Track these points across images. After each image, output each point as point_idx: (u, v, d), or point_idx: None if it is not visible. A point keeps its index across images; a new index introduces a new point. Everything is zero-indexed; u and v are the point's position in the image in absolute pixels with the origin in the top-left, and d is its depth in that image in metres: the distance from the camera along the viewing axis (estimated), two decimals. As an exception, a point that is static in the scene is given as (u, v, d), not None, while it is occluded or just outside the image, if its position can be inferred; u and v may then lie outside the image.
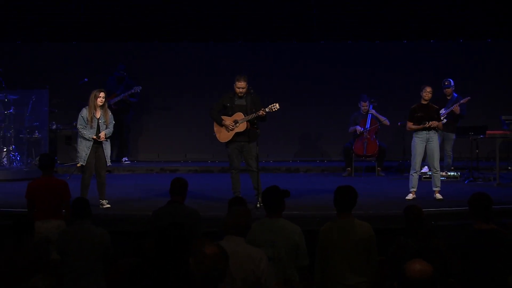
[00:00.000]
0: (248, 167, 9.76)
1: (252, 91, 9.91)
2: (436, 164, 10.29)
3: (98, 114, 9.70)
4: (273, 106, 9.65)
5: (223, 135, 9.74)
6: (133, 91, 13.64)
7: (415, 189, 10.24)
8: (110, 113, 9.89)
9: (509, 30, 14.99)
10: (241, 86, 9.68)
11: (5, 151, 13.00)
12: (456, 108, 12.16)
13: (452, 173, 12.50)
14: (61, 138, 14.07)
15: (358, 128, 13.28)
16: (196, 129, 14.98)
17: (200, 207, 7.50)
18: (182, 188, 7.04)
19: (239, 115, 9.64)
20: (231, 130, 9.64)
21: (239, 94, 9.71)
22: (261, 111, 9.55)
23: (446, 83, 12.55)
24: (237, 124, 9.63)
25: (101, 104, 9.70)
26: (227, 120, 9.65)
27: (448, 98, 12.51)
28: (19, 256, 6.44)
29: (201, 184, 11.25)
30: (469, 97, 12.36)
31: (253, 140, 9.72)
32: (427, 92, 10.31)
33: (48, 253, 6.77)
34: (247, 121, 9.61)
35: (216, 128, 9.80)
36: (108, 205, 9.70)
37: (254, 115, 9.58)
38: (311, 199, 10.43)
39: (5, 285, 6.23)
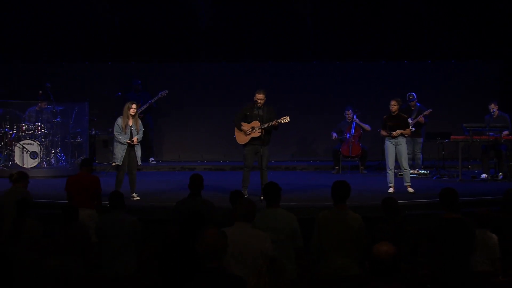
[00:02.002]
0: (260, 166, 9.65)
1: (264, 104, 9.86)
2: (405, 163, 10.27)
3: (131, 122, 9.72)
4: (285, 118, 9.55)
5: (241, 138, 9.67)
6: (160, 95, 13.56)
7: (393, 184, 10.22)
8: (140, 122, 9.91)
9: (469, 52, 14.98)
10: (260, 97, 9.57)
11: (53, 152, 13.05)
12: (421, 119, 12.32)
13: (422, 171, 12.51)
14: (99, 142, 14.10)
15: (334, 135, 13.45)
16: (211, 134, 15.04)
17: (214, 199, 7.50)
18: (199, 183, 7.04)
19: (256, 123, 9.54)
20: (248, 135, 9.59)
21: (258, 105, 9.59)
22: (274, 122, 9.48)
23: (411, 97, 12.67)
24: (254, 130, 9.55)
25: (133, 114, 9.72)
26: (245, 126, 9.60)
27: (412, 108, 12.64)
28: (66, 237, 6.49)
29: (215, 180, 11.21)
30: (431, 109, 12.43)
31: (267, 144, 9.64)
32: (392, 106, 10.37)
33: (89, 236, 6.81)
34: (262, 128, 9.53)
35: (236, 132, 9.72)
36: (138, 198, 9.71)
37: (268, 124, 9.49)
38: (305, 192, 10.41)
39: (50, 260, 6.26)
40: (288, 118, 9.59)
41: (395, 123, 10.26)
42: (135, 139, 9.66)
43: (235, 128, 9.73)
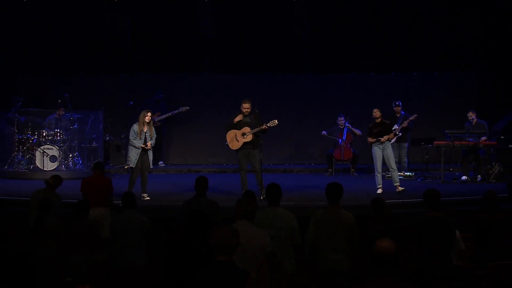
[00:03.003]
0: (253, 169, 9.70)
1: (257, 111, 9.93)
2: (393, 164, 10.27)
3: (145, 128, 9.72)
4: (273, 122, 9.59)
5: (234, 145, 9.68)
6: (180, 110, 13.55)
7: (381, 185, 10.20)
8: (153, 129, 9.92)
9: (450, 65, 15.00)
10: (246, 107, 9.65)
11: (71, 156, 13.04)
12: (405, 124, 12.31)
13: (408, 173, 12.51)
14: (112, 147, 14.10)
15: (324, 133, 13.42)
16: (215, 139, 14.98)
17: (218, 199, 7.50)
18: (204, 185, 7.02)
19: (246, 129, 9.58)
20: (238, 141, 9.59)
21: (245, 113, 9.67)
22: (264, 126, 9.51)
23: (397, 103, 12.67)
24: (245, 136, 9.58)
25: (148, 121, 9.74)
26: (237, 132, 9.60)
27: (398, 115, 12.66)
28: (78, 233, 6.49)
29: (218, 182, 11.19)
30: (416, 115, 12.46)
31: (257, 147, 9.66)
32: (375, 113, 10.38)
33: (98, 232, 6.81)
34: (252, 133, 9.58)
35: (228, 139, 9.73)
36: (148, 198, 9.69)
37: (258, 129, 9.54)
38: (302, 193, 10.39)
39: (66, 255, 6.26)
40: (276, 121, 9.62)
41: (380, 129, 10.28)
42: (149, 144, 9.68)
43: (227, 136, 9.72)
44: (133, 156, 9.66)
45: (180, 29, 14.89)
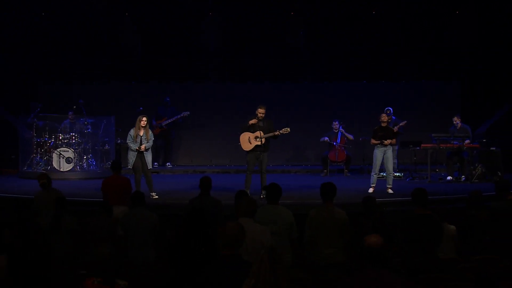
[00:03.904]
0: (260, 170, 9.57)
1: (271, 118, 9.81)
2: (390, 168, 10.24)
3: (141, 132, 9.66)
4: (285, 129, 9.45)
5: (246, 146, 9.52)
6: (182, 115, 13.56)
7: (374, 185, 10.19)
8: (150, 132, 9.81)
9: (436, 73, 15.04)
10: (261, 112, 9.47)
11: (85, 158, 13.08)
12: (396, 129, 12.30)
13: (397, 174, 12.48)
14: (123, 149, 14.02)
15: (326, 139, 13.38)
16: (218, 142, 15.07)
17: (221, 197, 7.51)
18: (208, 184, 7.03)
19: (259, 133, 9.42)
20: (251, 143, 9.48)
21: (260, 118, 9.51)
22: (277, 132, 9.40)
23: (387, 112, 12.68)
24: (258, 139, 9.42)
25: (143, 125, 9.67)
26: (250, 135, 9.48)
27: (389, 121, 12.61)
28: (98, 230, 6.50)
29: (221, 181, 11.21)
30: (406, 121, 12.47)
31: (266, 151, 9.56)
32: (382, 118, 10.35)
33: (117, 229, 6.82)
34: (264, 137, 9.42)
35: (241, 140, 9.54)
36: (156, 196, 9.66)
37: (271, 134, 9.42)
38: (299, 192, 10.38)
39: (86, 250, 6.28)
40: (288, 129, 9.48)
41: (385, 133, 10.25)
42: (142, 146, 9.56)
43: (240, 138, 9.55)
44: (130, 158, 9.62)
45: (186, 41, 14.95)
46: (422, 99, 15.18)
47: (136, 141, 9.59)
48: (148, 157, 9.69)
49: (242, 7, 14.42)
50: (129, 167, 9.68)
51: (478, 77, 14.61)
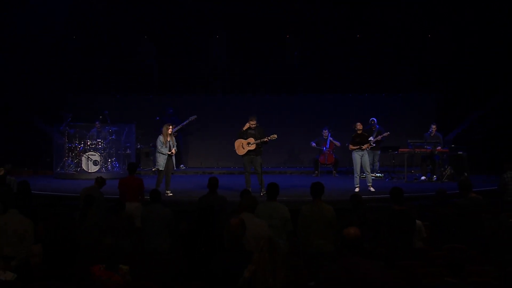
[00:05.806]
0: (255, 171, 9.72)
1: (258, 125, 9.94)
2: (368, 168, 10.29)
3: (169, 138, 9.74)
4: (273, 136, 9.61)
5: (240, 151, 9.73)
6: (190, 119, 13.51)
7: (358, 185, 10.22)
8: (174, 138, 9.94)
9: (414, 87, 15.04)
10: (252, 123, 9.71)
11: (110, 161, 13.08)
12: (379, 138, 12.30)
13: (378, 175, 12.53)
14: (143, 153, 14.11)
15: (313, 144, 13.36)
16: (224, 147, 14.95)
17: (226, 195, 7.51)
18: (215, 184, 7.04)
19: (251, 140, 9.64)
20: (244, 148, 9.64)
21: (252, 127, 9.72)
22: (265, 138, 9.57)
23: (371, 122, 12.68)
24: (250, 145, 9.61)
25: (170, 132, 9.78)
26: (243, 141, 9.66)
27: (373, 129, 12.64)
28: (117, 223, 6.50)
29: (227, 181, 11.18)
30: (388, 133, 12.38)
31: (259, 154, 9.70)
32: (357, 126, 10.43)
33: (134, 223, 6.81)
34: (256, 143, 9.61)
35: (236, 145, 9.76)
36: (171, 194, 9.69)
37: (260, 140, 9.59)
38: (293, 190, 10.35)
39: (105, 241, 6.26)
40: (275, 136, 9.63)
41: (361, 139, 10.29)
42: (173, 150, 9.71)
43: (235, 144, 9.75)
44: (162, 161, 9.65)
45: (197, 59, 15.02)
46: (401, 109, 15.13)
47: (166, 146, 9.64)
48: (174, 159, 9.82)
49: (245, 30, 14.56)
50: (160, 169, 9.66)
51: (452, 90, 14.63)
